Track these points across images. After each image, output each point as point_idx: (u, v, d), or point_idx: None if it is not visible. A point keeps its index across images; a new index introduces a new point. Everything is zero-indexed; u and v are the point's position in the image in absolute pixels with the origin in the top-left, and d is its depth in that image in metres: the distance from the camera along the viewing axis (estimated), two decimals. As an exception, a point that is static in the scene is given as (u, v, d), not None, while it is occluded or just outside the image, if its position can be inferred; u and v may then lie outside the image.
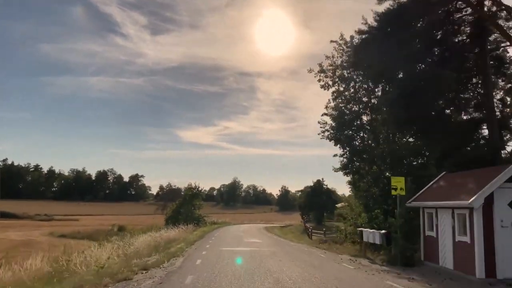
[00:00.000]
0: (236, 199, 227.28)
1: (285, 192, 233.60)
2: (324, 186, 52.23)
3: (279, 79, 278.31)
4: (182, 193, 51.85)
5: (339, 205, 50.58)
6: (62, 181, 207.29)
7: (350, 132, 22.52)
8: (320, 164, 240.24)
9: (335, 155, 23.10)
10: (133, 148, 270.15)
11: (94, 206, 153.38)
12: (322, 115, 23.24)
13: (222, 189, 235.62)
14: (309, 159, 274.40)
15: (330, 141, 22.93)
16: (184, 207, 48.90)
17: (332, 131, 22.83)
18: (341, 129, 22.36)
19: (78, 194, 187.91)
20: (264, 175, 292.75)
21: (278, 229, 52.55)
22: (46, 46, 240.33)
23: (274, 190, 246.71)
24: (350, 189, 27.14)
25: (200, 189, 53.36)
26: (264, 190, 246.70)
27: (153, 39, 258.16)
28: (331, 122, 22.98)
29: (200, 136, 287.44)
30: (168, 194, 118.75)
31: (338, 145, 22.77)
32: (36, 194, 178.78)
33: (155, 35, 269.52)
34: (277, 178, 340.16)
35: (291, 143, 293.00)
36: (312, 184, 52.36)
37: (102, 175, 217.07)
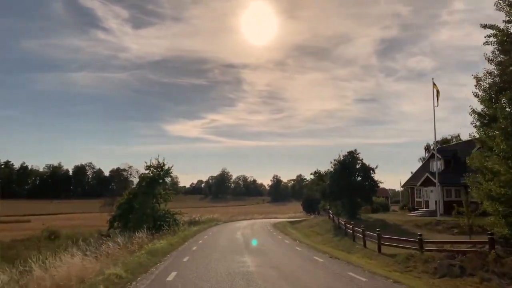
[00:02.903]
0: (225, 191, 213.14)
1: (277, 182, 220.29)
2: (358, 161, 34.06)
3: (265, 70, 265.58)
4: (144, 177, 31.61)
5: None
6: (38, 178, 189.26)
7: None
8: (311, 153, 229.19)
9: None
10: (119, 143, 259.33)
11: (69, 204, 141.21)
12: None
13: (210, 181, 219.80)
14: (298, 149, 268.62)
15: None
16: (139, 199, 29.40)
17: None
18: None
19: (55, 191, 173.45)
20: (254, 167, 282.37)
21: (291, 227, 35.99)
22: (29, 42, 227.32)
23: (265, 181, 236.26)
24: None
25: (166, 167, 32.63)
26: (254, 180, 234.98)
27: (136, 33, 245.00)
28: None
29: (187, 129, 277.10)
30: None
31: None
32: (8, 192, 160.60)
33: (137, 28, 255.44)
34: (267, 169, 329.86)
35: (279, 133, 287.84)
36: (340, 158, 33.70)
37: (80, 170, 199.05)
